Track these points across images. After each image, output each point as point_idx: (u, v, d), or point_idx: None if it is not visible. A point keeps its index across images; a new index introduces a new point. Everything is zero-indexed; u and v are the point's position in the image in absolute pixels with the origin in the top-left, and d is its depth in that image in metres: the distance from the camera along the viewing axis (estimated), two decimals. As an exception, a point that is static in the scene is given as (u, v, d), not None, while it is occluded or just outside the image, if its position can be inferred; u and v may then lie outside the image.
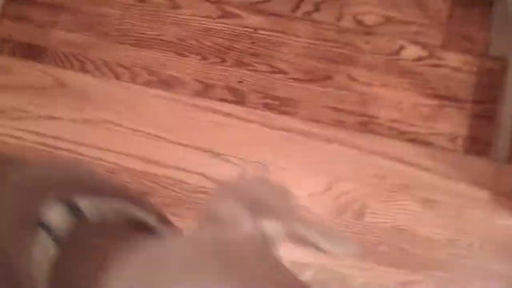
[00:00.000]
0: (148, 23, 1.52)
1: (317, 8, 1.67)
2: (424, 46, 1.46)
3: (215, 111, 1.23)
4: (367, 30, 1.61)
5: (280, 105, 1.42)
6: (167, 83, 1.45)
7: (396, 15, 1.66)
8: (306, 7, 1.66)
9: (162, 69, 1.47)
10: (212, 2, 1.55)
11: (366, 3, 1.67)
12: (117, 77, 1.46)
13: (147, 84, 1.45)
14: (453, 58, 1.44)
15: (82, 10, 1.55)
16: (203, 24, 1.51)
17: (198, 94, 1.43)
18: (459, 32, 1.63)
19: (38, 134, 1.35)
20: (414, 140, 1.38)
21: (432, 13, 1.65)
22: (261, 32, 1.50)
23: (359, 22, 1.66)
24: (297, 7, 1.66)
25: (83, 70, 1.48)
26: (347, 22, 1.64)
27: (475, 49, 1.58)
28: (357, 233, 1.13)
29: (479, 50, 1.58)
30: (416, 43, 1.48)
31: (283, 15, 1.57)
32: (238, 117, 1.24)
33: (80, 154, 1.33)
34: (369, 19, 1.66)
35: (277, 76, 1.46)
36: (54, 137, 1.36)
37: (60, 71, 1.37)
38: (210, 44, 1.49)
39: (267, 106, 1.43)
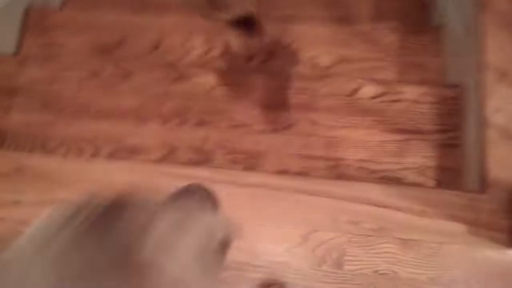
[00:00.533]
0: (104, 95, 1.50)
1: (271, 56, 1.68)
2: (380, 82, 1.47)
3: (181, 176, 1.21)
4: (324, 73, 1.63)
5: (246, 158, 1.42)
6: (132, 151, 1.44)
7: (350, 53, 1.68)
8: (260, 57, 1.67)
9: (124, 138, 1.46)
10: (166, 65, 1.54)
11: (319, 44, 1.69)
12: (80, 152, 1.44)
13: (112, 155, 1.43)
14: (411, 91, 1.45)
15: (37, 90, 1.53)
16: (160, 87, 1.51)
17: (163, 158, 1.42)
18: (413, 62, 1.66)
19: (3, 220, 1.32)
20: (384, 178, 1.38)
21: (384, 46, 1.67)
22: (219, 88, 1.49)
23: (315, 65, 1.67)
24: (251, 58, 1.67)
25: (45, 149, 1.45)
26: (302, 67, 1.66)
27: (431, 77, 1.61)
28: (339, 283, 1.11)
29: (435, 79, 1.60)
30: (372, 80, 1.49)
31: (239, 69, 1.57)
32: (205, 179, 1.22)
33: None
34: (324, 61, 1.67)
35: (240, 130, 1.45)
36: (22, 222, 1.32)
37: (22, 155, 1.34)
38: (169, 107, 1.48)
39: (233, 161, 1.42)
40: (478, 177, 1.20)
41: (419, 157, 1.39)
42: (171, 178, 1.20)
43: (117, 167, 1.24)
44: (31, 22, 1.81)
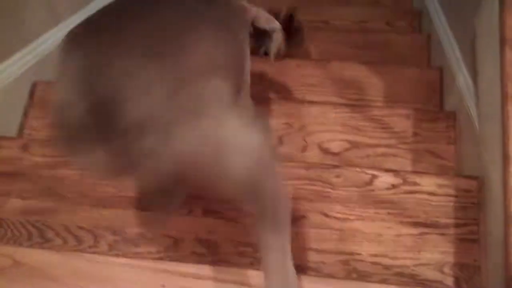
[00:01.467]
0: (107, 181, 1.45)
1: (280, 141, 1.64)
2: (394, 172, 1.42)
3: (186, 275, 1.14)
4: (335, 160, 1.58)
5: (254, 251, 1.35)
6: (133, 243, 1.37)
7: (361, 139, 1.63)
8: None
9: (126, 227, 1.39)
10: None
11: (329, 130, 1.65)
12: (79, 242, 1.38)
13: (112, 246, 1.36)
14: (426, 182, 1.40)
15: (38, 175, 1.48)
16: (166, 175, 1.45)
17: (167, 249, 1.35)
18: (427, 149, 1.61)
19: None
20: (400, 274, 1.31)
21: (396, 133, 1.63)
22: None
23: (325, 150, 1.63)
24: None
25: (44, 238, 1.39)
26: (312, 153, 1.61)
27: (447, 166, 1.56)
28: None
29: (451, 168, 1.55)
30: (386, 170, 1.44)
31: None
32: (211, 278, 1.15)
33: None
34: (335, 146, 1.63)
35: (248, 221, 1.39)
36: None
37: (18, 249, 1.28)
38: (175, 195, 1.42)
39: (241, 255, 1.35)
40: (503, 278, 1.12)
41: (436, 253, 1.32)
42: (176, 277, 1.14)
43: (118, 264, 1.18)
44: (36, 99, 1.78)
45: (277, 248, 0.99)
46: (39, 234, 1.40)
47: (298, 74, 1.95)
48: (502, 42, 1.30)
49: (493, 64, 1.33)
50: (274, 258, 1.00)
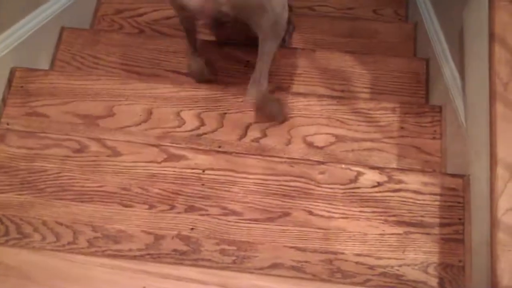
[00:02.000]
0: (87, 175, 1.42)
1: (264, 134, 1.61)
2: (379, 170, 1.40)
3: (167, 277, 1.12)
4: (319, 155, 1.56)
5: (237, 250, 1.33)
6: (113, 239, 1.34)
7: (346, 133, 1.61)
8: (253, 133, 1.60)
9: (106, 223, 1.36)
10: (155, 146, 1.46)
11: (314, 124, 1.62)
12: (58, 238, 1.34)
13: (91, 243, 1.33)
14: (412, 180, 1.38)
15: (15, 168, 1.44)
16: (148, 169, 1.42)
17: (147, 248, 1.32)
18: (413, 144, 1.59)
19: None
20: (384, 274, 1.29)
21: (382, 127, 1.61)
22: (210, 172, 1.41)
23: (310, 144, 1.60)
24: (244, 134, 1.60)
25: (21, 234, 1.35)
26: (297, 147, 1.59)
27: (432, 162, 1.54)
28: None
29: (436, 163, 1.54)
30: (371, 167, 1.42)
31: (231, 152, 1.49)
32: (193, 280, 1.12)
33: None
34: (320, 140, 1.61)
35: (231, 218, 1.36)
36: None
37: (-7, 246, 1.24)
38: (157, 190, 1.40)
39: (223, 253, 1.33)
40: (487, 281, 1.11)
41: (421, 253, 1.31)
42: (157, 279, 1.11)
43: (98, 264, 1.14)
44: (14, 86, 1.73)
45: (270, 51, 1.55)
46: (17, 230, 1.36)
47: (282, 64, 1.91)
48: (491, 38, 1.27)
49: (481, 59, 1.31)
50: (265, 59, 1.55)
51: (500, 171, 1.14)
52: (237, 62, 1.91)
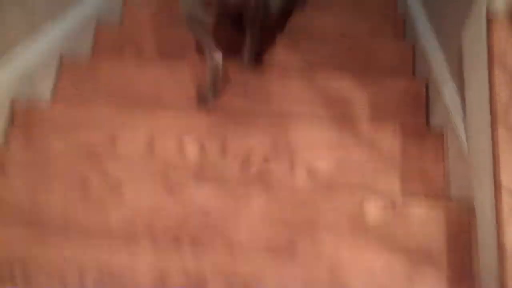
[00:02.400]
0: (90, 209, 1.41)
1: (267, 160, 1.61)
2: (385, 197, 1.40)
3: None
4: (323, 181, 1.55)
5: (244, 283, 1.32)
6: (119, 276, 1.34)
7: (349, 157, 1.61)
8: (255, 159, 1.60)
9: (111, 260, 1.36)
10: (158, 177, 1.46)
11: (315, 148, 1.62)
12: (63, 280, 1.33)
13: (97, 282, 1.32)
14: (417, 209, 1.38)
15: (19, 202, 1.43)
16: (151, 202, 1.42)
17: (154, 286, 1.31)
18: (416, 167, 1.59)
19: None
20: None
21: (384, 151, 1.61)
22: (214, 203, 1.41)
23: (313, 170, 1.60)
24: (247, 161, 1.60)
25: (26, 275, 1.34)
26: (299, 172, 1.58)
27: (436, 187, 1.54)
28: None
29: (439, 188, 1.53)
30: (376, 194, 1.42)
31: (235, 179, 1.49)
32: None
33: None
34: (323, 165, 1.60)
35: (236, 250, 1.36)
36: None
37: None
38: (161, 224, 1.39)
39: (230, 286, 1.32)
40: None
41: (429, 283, 1.31)
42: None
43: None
44: (17, 121, 1.72)
45: (251, 34, 1.91)
46: (22, 273, 1.35)
47: (280, 85, 1.91)
48: (490, 60, 1.27)
49: (481, 82, 1.30)
50: (249, 41, 1.92)
51: (504, 197, 1.14)
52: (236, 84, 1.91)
